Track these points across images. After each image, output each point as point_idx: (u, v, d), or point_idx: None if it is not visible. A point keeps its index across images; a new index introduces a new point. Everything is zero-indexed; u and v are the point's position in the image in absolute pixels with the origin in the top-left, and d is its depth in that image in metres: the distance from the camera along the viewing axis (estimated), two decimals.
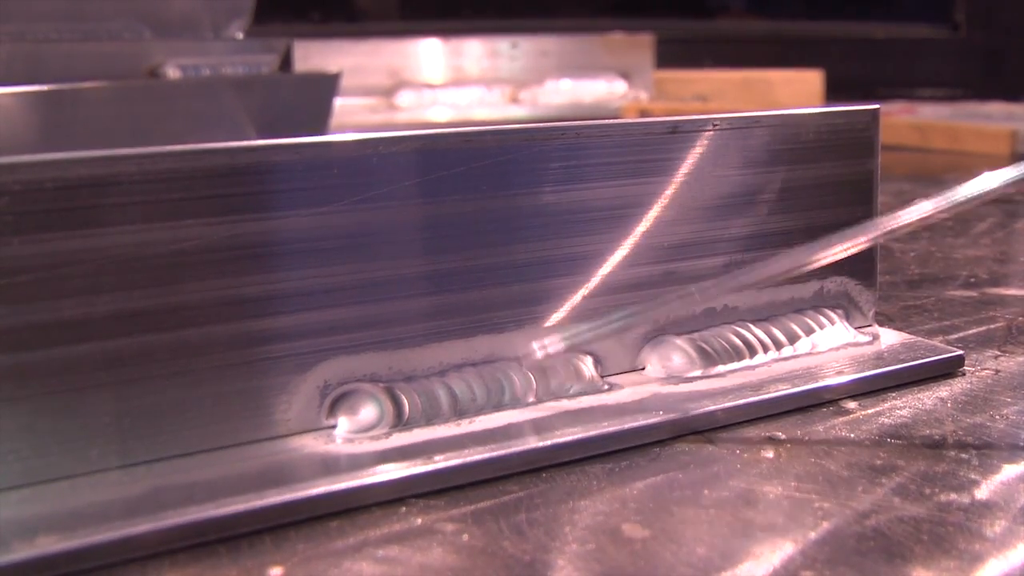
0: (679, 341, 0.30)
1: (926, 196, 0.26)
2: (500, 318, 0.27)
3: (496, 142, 0.27)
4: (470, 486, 0.24)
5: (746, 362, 0.30)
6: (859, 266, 0.34)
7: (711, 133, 0.30)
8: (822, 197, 0.32)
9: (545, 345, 0.26)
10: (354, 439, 0.25)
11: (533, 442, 0.25)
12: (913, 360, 0.31)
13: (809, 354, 0.31)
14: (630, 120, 0.30)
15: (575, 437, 0.25)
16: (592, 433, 0.25)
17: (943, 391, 0.30)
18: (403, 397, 0.26)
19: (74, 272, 0.22)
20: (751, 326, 0.31)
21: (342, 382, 0.25)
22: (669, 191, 0.30)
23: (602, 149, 0.28)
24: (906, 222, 0.26)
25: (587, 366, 0.29)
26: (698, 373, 0.29)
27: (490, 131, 0.27)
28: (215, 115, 0.75)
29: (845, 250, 0.26)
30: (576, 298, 0.28)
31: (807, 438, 0.26)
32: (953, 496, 0.23)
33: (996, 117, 1.06)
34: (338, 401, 0.25)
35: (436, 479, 0.23)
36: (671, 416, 0.27)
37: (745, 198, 0.31)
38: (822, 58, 1.33)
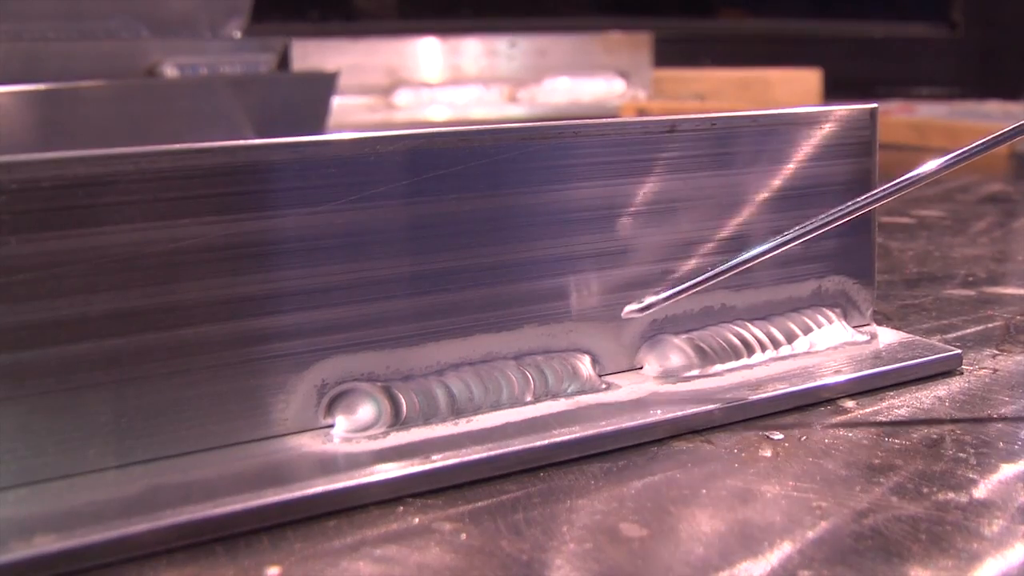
0: (677, 340, 0.30)
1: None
2: (497, 317, 0.27)
3: (493, 141, 0.27)
4: (468, 485, 0.24)
5: (744, 361, 0.30)
6: (857, 265, 0.34)
7: (709, 132, 0.30)
8: (820, 196, 0.32)
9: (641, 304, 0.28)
10: (352, 438, 0.25)
11: (531, 441, 0.25)
12: (911, 359, 0.31)
13: (807, 353, 0.31)
14: (628, 119, 0.30)
15: (573, 436, 0.25)
16: (590, 432, 0.25)
17: (941, 390, 0.30)
18: (401, 396, 0.26)
19: (71, 271, 0.22)
20: (749, 325, 0.31)
21: (339, 381, 0.25)
22: (666, 190, 0.30)
23: (600, 148, 0.28)
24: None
25: (585, 365, 0.28)
26: (696, 372, 0.29)
27: (488, 130, 0.27)
28: (213, 114, 0.75)
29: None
30: (574, 297, 0.28)
31: (805, 437, 0.26)
32: (951, 495, 0.23)
33: (994, 116, 1.06)
34: (336, 400, 0.25)
35: (434, 478, 0.23)
36: (669, 415, 0.27)
37: (743, 197, 0.31)
38: (820, 57, 1.33)
